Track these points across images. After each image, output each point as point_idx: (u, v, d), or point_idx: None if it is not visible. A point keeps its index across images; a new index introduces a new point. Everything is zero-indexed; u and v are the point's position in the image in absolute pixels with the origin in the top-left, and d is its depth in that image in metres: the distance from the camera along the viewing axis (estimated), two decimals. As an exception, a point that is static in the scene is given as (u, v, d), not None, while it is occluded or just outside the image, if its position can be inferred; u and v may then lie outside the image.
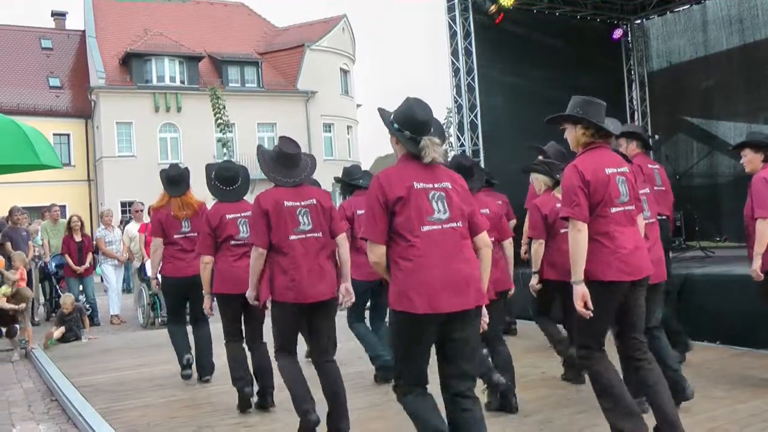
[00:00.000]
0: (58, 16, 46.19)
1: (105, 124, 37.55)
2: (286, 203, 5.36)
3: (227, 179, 6.78)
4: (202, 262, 6.61)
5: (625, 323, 4.79)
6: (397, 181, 4.13)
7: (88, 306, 12.96)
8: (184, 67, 39.87)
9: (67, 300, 11.87)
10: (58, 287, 13.92)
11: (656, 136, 14.91)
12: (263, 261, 5.40)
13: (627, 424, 4.52)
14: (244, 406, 6.39)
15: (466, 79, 13.19)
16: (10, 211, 13.94)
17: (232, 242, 6.56)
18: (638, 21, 15.89)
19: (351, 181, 7.82)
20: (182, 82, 39.65)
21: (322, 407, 5.27)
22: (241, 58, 41.75)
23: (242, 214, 6.58)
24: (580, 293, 4.52)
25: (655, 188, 6.88)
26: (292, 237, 5.32)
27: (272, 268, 5.38)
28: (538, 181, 7.32)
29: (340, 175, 7.95)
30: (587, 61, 14.75)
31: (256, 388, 6.44)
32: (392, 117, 4.30)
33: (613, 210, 4.65)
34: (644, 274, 4.73)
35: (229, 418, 6.16)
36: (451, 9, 13.31)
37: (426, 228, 4.08)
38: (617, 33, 15.28)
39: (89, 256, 13.57)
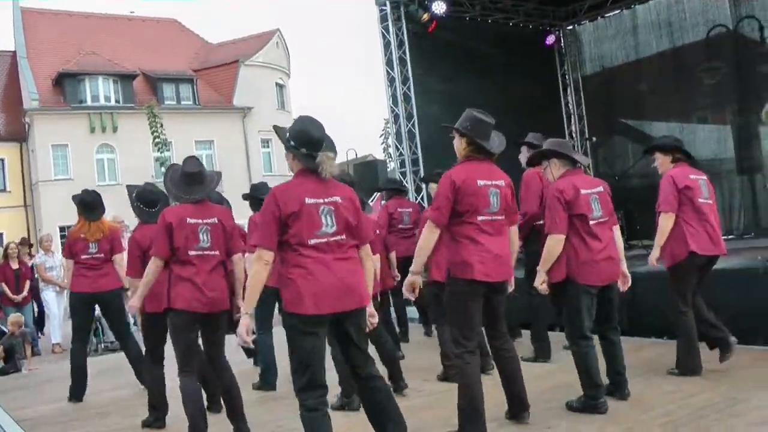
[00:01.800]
0: (-13, 37, 45.32)
1: (40, 148, 36.72)
2: (189, 220, 5.60)
3: (149, 201, 6.89)
4: (130, 285, 6.62)
5: (491, 318, 5.44)
6: (293, 197, 4.43)
7: (30, 335, 12.67)
8: (118, 86, 39.22)
9: (15, 319, 11.66)
10: (-6, 317, 13.57)
11: (593, 139, 15.16)
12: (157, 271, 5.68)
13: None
14: None
15: (402, 89, 13.28)
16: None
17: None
18: (570, 27, 16.20)
19: (260, 196, 7.71)
20: (117, 101, 38.97)
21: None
22: (176, 76, 41.29)
23: None
24: (410, 282, 5.39)
25: None
26: (192, 252, 5.58)
27: (171, 279, 5.62)
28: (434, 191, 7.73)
29: None
30: (521, 67, 14.96)
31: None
32: (288, 135, 4.59)
33: (480, 218, 5.18)
34: (503, 277, 5.30)
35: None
36: (384, 18, 13.40)
37: (314, 241, 4.41)
38: (550, 39, 15.56)
39: (27, 284, 13.25)
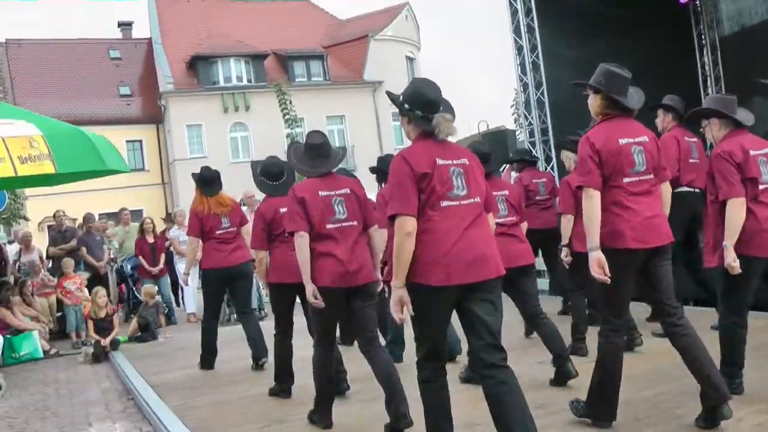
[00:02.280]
0: (125, 26, 46.97)
1: (176, 128, 38.19)
2: (320, 193, 5.44)
3: (273, 175, 6.92)
4: (257, 257, 6.76)
5: (654, 290, 4.80)
6: (424, 158, 4.12)
7: (165, 305, 13.09)
8: (250, 66, 40.21)
9: (148, 290, 12.16)
10: (134, 289, 14.07)
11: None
12: (307, 246, 5.39)
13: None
14: None
15: (531, 56, 12.93)
16: (84, 218, 14.25)
17: (287, 234, 6.17)
18: (706, -17, 15.38)
19: (387, 168, 7.60)
20: (249, 81, 39.99)
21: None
22: (306, 53, 41.89)
23: None
24: (596, 260, 4.58)
25: (690, 161, 7.15)
26: (329, 226, 5.39)
27: (312, 255, 5.39)
28: (568, 159, 7.68)
29: None
30: (654, 29, 14.31)
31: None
32: (401, 98, 4.30)
33: (626, 180, 4.69)
34: (661, 241, 4.71)
35: (299, 412, 6.03)
36: (510, -13, 13.04)
37: (445, 203, 4.09)
38: (684, -3, 14.81)
39: (162, 257, 13.73)
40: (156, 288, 12.66)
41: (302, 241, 5.38)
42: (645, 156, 4.75)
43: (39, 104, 35.25)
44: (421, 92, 4.26)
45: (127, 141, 38.87)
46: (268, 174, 6.93)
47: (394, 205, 4.09)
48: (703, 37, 15.51)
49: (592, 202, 4.64)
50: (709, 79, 15.52)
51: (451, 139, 4.26)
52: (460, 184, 4.14)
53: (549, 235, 8.96)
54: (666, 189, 4.98)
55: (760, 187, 5.24)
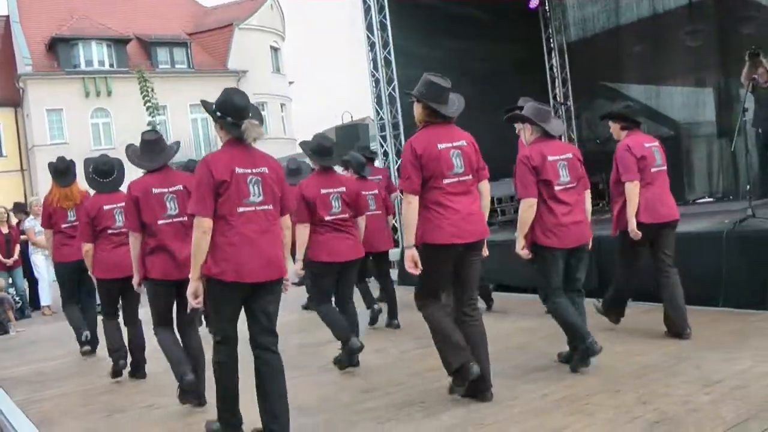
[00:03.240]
0: (-20, 2, 45.18)
1: (35, 112, 36.79)
2: (154, 190, 5.81)
3: (104, 172, 7.23)
4: (83, 249, 7.19)
5: (460, 280, 5.34)
6: (223, 166, 4.59)
7: (17, 299, 12.91)
8: (112, 50, 39.17)
9: None
10: (-15, 281, 13.78)
11: (568, 103, 15.23)
12: (139, 244, 5.85)
13: (453, 355, 5.18)
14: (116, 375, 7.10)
15: (383, 53, 13.29)
16: (-66, 207, 13.84)
17: (109, 231, 7.09)
18: (554, -11, 16.15)
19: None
20: (111, 65, 38.96)
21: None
22: (170, 39, 41.15)
23: (117, 205, 6.98)
24: (410, 256, 5.12)
25: None
26: (160, 222, 5.79)
27: (144, 249, 5.82)
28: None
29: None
30: (505, 32, 15.01)
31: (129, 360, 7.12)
32: (214, 106, 4.75)
33: (446, 181, 5.16)
34: (476, 237, 5.25)
35: (141, 402, 6.25)
36: (363, -17, 13.39)
37: (241, 209, 4.59)
38: (533, 2, 15.46)
39: (17, 248, 13.44)
40: (2, 281, 12.40)
41: (134, 240, 5.86)
42: (463, 159, 5.22)
43: None
44: (230, 100, 4.70)
45: (-17, 125, 37.59)
46: (99, 172, 7.22)
47: (193, 206, 4.62)
48: (551, 41, 16.29)
49: (410, 206, 5.13)
50: (557, 80, 16.33)
51: (267, 141, 4.70)
52: (256, 191, 4.64)
53: None
54: (484, 187, 5.49)
55: (556, 188, 5.92)
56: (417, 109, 5.36)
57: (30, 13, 39.19)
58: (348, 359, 6.62)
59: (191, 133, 39.43)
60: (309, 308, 9.71)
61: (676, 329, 6.74)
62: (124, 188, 6.60)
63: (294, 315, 9.92)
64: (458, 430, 4.71)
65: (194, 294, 4.66)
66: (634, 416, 4.58)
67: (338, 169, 7.70)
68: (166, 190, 5.84)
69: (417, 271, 5.13)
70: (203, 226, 4.54)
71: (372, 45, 13.43)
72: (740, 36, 12.85)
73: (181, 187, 5.85)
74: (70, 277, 8.39)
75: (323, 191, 6.78)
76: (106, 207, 7.06)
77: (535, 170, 5.91)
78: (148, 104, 26.43)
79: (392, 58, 13.32)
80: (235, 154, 4.67)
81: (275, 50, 45.11)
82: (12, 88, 38.56)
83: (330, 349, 6.91)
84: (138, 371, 7.09)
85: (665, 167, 6.93)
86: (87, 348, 8.31)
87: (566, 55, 16.17)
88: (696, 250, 8.37)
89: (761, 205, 9.20)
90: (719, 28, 13.47)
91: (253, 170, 4.66)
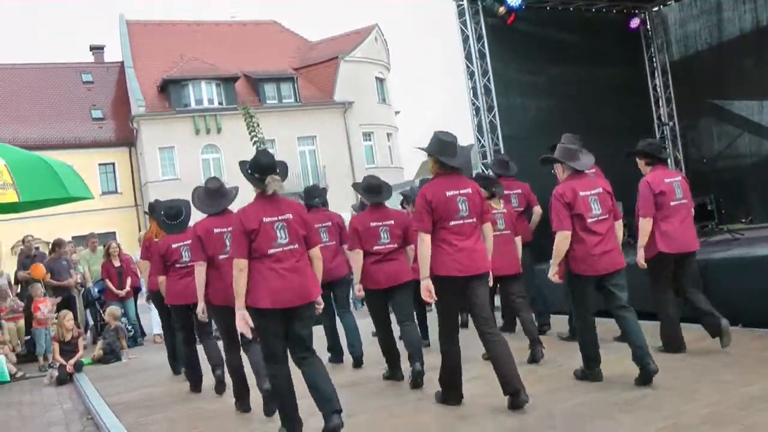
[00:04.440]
0: (97, 49, 47.28)
1: (148, 150, 38.38)
2: (215, 230, 6.84)
3: (171, 216, 8.16)
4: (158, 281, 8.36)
5: (472, 306, 6.11)
6: (252, 217, 5.55)
7: (130, 327, 13.37)
8: (221, 89, 40.49)
9: (112, 312, 12.52)
10: (101, 312, 14.33)
11: (672, 123, 14.88)
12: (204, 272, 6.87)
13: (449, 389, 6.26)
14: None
15: (482, 81, 13.28)
16: (54, 243, 14.50)
17: (177, 265, 8.06)
18: (656, 8, 15.85)
19: (306, 202, 8.91)
20: (220, 103, 40.26)
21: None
22: (277, 75, 42.22)
23: (185, 243, 7.93)
24: (425, 287, 5.96)
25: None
26: (221, 257, 6.74)
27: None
28: None
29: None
30: (605, 54, 14.80)
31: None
32: (248, 165, 5.75)
33: (452, 223, 6.03)
34: (478, 271, 6.07)
35: (248, 426, 6.42)
36: (461, 14, 13.38)
37: (271, 251, 5.54)
38: (634, 22, 15.22)
39: (129, 280, 13.93)
40: (120, 310, 12.96)
41: (200, 269, 6.84)
42: (468, 204, 6.09)
43: (12, 130, 35.54)
44: (257, 160, 5.73)
45: (100, 164, 39.22)
46: (168, 215, 8.15)
47: (233, 251, 5.64)
48: (654, 60, 15.98)
49: (424, 244, 6.01)
50: (660, 100, 15.98)
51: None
52: (283, 235, 5.59)
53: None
54: (487, 228, 6.34)
55: (588, 220, 6.58)
56: (430, 162, 6.28)
57: (142, 57, 40.93)
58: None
59: (299, 164, 40.10)
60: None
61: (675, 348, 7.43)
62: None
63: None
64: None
65: (243, 320, 5.53)
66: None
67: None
68: (225, 229, 6.72)
69: (431, 300, 5.98)
70: (239, 265, 5.51)
71: (471, 74, 13.42)
72: None
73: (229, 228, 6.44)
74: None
75: (372, 224, 7.64)
76: (174, 245, 8.08)
77: (568, 206, 6.59)
78: (255, 139, 26.98)
79: (492, 85, 13.29)
80: (263, 205, 5.63)
81: (381, 81, 45.64)
82: (127, 128, 40.33)
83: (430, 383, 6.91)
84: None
85: (686, 201, 7.52)
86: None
87: (669, 74, 15.80)
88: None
89: None
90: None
91: (279, 217, 5.60)
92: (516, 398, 5.83)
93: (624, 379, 6.47)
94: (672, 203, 7.38)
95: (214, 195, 7.08)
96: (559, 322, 9.35)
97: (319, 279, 5.84)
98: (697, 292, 7.58)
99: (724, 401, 5.56)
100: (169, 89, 39.52)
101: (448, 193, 6.05)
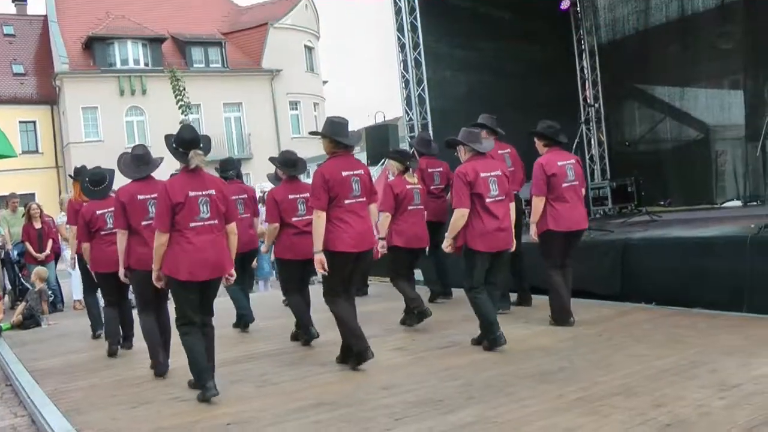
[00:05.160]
0: (19, 1, 45.71)
1: (71, 110, 37.53)
2: (139, 196, 6.91)
3: (96, 181, 8.20)
4: (82, 248, 8.36)
5: (352, 278, 6.69)
6: (179, 190, 5.81)
7: (50, 292, 13.12)
8: (147, 50, 39.79)
9: (39, 272, 12.39)
10: (20, 275, 14.05)
11: (598, 105, 15.18)
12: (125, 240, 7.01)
13: (354, 341, 6.53)
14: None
15: (413, 54, 13.34)
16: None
17: (102, 232, 8.10)
18: (586, -9, 16.08)
19: (221, 173, 9.09)
20: (146, 64, 39.57)
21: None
22: (205, 39, 41.70)
23: (109, 210, 7.94)
24: (318, 260, 6.38)
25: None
26: (143, 223, 6.88)
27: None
28: (392, 165, 8.92)
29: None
30: (536, 33, 15.00)
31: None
32: (173, 139, 5.97)
33: (347, 202, 6.45)
34: (367, 247, 6.58)
35: (167, 392, 6.39)
36: (394, -15, 13.43)
37: (192, 224, 5.82)
38: (565, 4, 15.39)
39: (50, 243, 13.67)
40: (47, 271, 12.76)
41: (122, 237, 6.99)
42: (360, 185, 6.52)
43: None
44: (180, 135, 5.96)
45: (20, 121, 38.16)
46: (92, 181, 8.20)
47: (156, 223, 5.92)
48: (582, 42, 16.25)
49: (319, 220, 6.38)
50: (587, 81, 16.28)
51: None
52: (205, 210, 5.86)
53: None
54: (373, 208, 6.84)
55: (487, 200, 6.98)
56: (324, 144, 6.65)
57: (67, 12, 39.92)
58: None
59: (224, 131, 39.75)
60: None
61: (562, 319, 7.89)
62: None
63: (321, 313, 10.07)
64: (473, 427, 4.77)
65: (158, 279, 6.03)
66: (647, 418, 4.62)
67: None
68: (149, 196, 6.85)
69: (323, 272, 6.41)
70: (161, 239, 5.85)
71: (402, 46, 13.48)
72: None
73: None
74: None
75: (291, 197, 7.93)
76: (98, 212, 8.12)
77: (469, 185, 6.97)
78: (180, 103, 26.71)
79: (422, 59, 13.36)
80: (189, 179, 5.88)
81: (309, 49, 45.43)
82: (49, 86, 39.29)
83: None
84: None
85: (577, 182, 7.96)
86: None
87: (597, 57, 16.11)
88: (720, 254, 8.43)
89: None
90: (750, 30, 13.38)
91: (203, 192, 5.87)
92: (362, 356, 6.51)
93: (543, 354, 6.67)
94: (564, 185, 7.82)
95: (139, 161, 7.11)
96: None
97: (233, 253, 6.19)
98: (569, 280, 8.03)
99: (637, 373, 5.77)
100: (94, 47, 38.65)
101: (344, 173, 6.44)
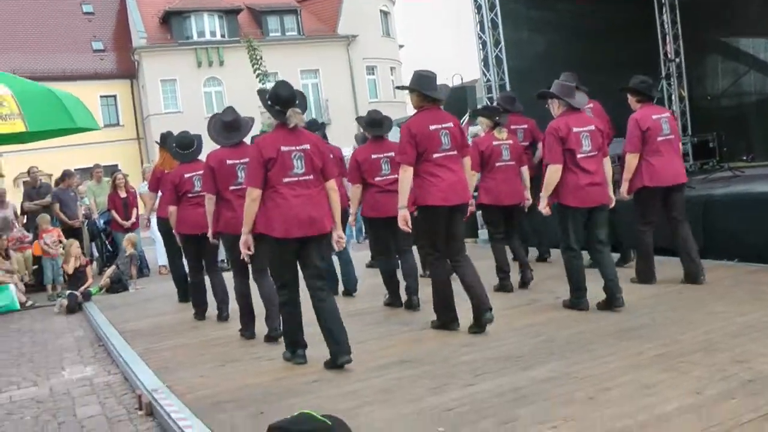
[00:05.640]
0: (98, -21, 46.52)
1: (150, 83, 38.30)
2: (228, 161, 6.94)
3: (184, 145, 8.31)
4: (169, 211, 8.38)
5: (449, 236, 6.40)
6: (271, 146, 5.61)
7: (138, 257, 13.52)
8: (223, 21, 40.25)
9: (131, 238, 12.99)
10: (107, 243, 14.51)
11: (678, 60, 14.88)
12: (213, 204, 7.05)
13: (441, 311, 6.58)
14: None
15: (489, 15, 13.24)
16: (63, 174, 14.57)
17: (189, 195, 8.16)
18: (665, -57, 15.69)
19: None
20: (223, 36, 40.04)
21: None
22: (280, 8, 41.86)
23: (196, 173, 8.04)
24: (402, 217, 6.24)
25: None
26: (232, 188, 6.92)
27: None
28: (481, 123, 8.74)
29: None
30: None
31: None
32: (267, 96, 5.78)
33: (435, 155, 6.26)
34: (460, 200, 6.36)
35: (252, 353, 6.62)
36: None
37: (287, 180, 5.60)
38: (643, -41, 15.09)
39: (134, 211, 14.05)
40: (136, 237, 13.23)
41: (210, 200, 7.06)
42: (450, 138, 6.31)
43: (11, 59, 35.23)
44: (277, 92, 5.74)
45: (101, 96, 38.94)
46: (180, 145, 8.31)
47: (247, 180, 5.78)
48: (661, -4, 15.86)
49: (406, 174, 6.22)
50: (668, 36, 15.90)
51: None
52: (299, 165, 5.63)
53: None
54: (467, 161, 6.65)
55: (579, 156, 6.81)
56: (412, 98, 6.50)
57: (144, -12, 40.38)
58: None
59: (303, 97, 39.88)
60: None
61: (692, 278, 7.62)
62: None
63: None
64: (553, 383, 4.83)
65: (245, 244, 5.79)
66: (727, 374, 4.61)
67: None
68: (238, 161, 6.87)
69: (407, 229, 6.31)
70: (252, 195, 5.63)
71: (479, 7, 13.36)
72: None
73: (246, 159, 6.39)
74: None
75: (374, 156, 7.85)
76: (187, 175, 8.16)
77: (561, 140, 6.81)
78: (258, 72, 26.90)
79: (499, 20, 13.22)
80: (282, 135, 5.68)
81: (385, 14, 45.24)
82: (128, 60, 40.10)
83: (429, 308, 7.07)
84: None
85: (673, 136, 7.74)
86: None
87: (677, 11, 15.72)
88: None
89: None
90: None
91: (297, 147, 5.65)
92: (483, 317, 6.33)
93: (624, 312, 6.69)
94: (659, 138, 7.60)
95: (230, 127, 7.10)
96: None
97: (336, 211, 5.91)
98: (685, 229, 7.80)
99: (718, 330, 5.75)
100: (171, 21, 39.26)
101: (432, 127, 6.26)
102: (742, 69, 14.78)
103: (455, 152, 6.37)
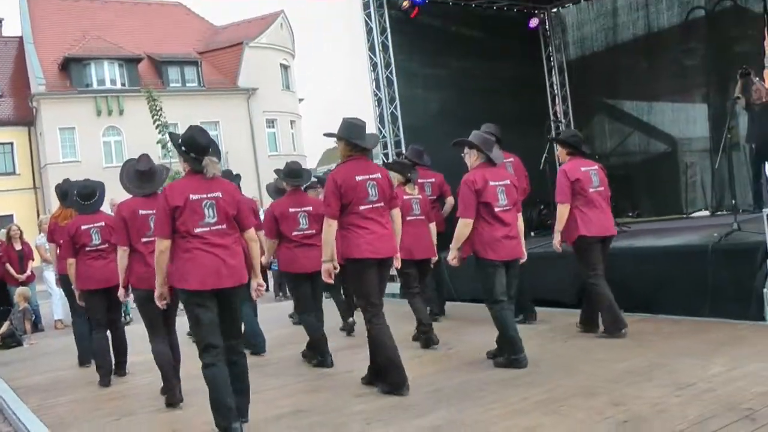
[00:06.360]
0: (-6, 22, 45.69)
1: (48, 131, 37.48)
2: (140, 212, 6.63)
3: (85, 195, 8.01)
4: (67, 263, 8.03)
5: (376, 290, 6.21)
6: (178, 194, 5.25)
7: (32, 311, 13.24)
8: (124, 70, 39.86)
9: (23, 292, 12.57)
10: (-1, 296, 14.14)
11: (568, 119, 15.53)
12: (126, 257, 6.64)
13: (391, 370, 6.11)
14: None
15: (385, 73, 13.59)
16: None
17: (87, 248, 7.87)
18: (554, 10, 16.44)
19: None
20: (123, 84, 39.63)
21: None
22: (181, 58, 41.83)
23: (95, 225, 7.89)
24: (326, 269, 6.08)
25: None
26: (144, 239, 6.58)
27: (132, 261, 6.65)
28: (393, 177, 8.46)
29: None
30: (505, 50, 15.26)
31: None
32: (180, 140, 5.43)
33: (362, 207, 6.10)
34: (388, 253, 6.21)
35: (149, 407, 6.61)
36: (366, 6, 13.70)
37: (198, 230, 5.23)
38: (533, 22, 15.75)
39: (30, 264, 13.77)
40: (28, 291, 12.91)
41: (123, 253, 6.64)
42: (377, 189, 6.18)
43: None
44: (194, 138, 5.37)
45: (-3, 143, 38.08)
46: (81, 195, 8.01)
47: (156, 230, 5.39)
48: (551, 59, 16.58)
49: (330, 228, 6.07)
50: (557, 97, 16.60)
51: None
52: (211, 213, 5.28)
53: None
54: (395, 214, 6.45)
55: (496, 209, 6.79)
56: (339, 146, 6.32)
57: (43, 33, 39.93)
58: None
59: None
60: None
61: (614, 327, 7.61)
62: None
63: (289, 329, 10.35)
64: (441, 430, 5.03)
65: (160, 298, 5.47)
66: (605, 416, 4.91)
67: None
68: (151, 211, 6.46)
69: (331, 282, 6.22)
70: (161, 246, 5.27)
71: (374, 65, 13.72)
72: (734, 54, 13.12)
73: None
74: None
75: (291, 210, 7.79)
76: (84, 227, 7.90)
77: (477, 193, 6.77)
78: (157, 122, 26.81)
79: (394, 78, 13.60)
80: (192, 183, 5.33)
81: (285, 68, 45.65)
82: (25, 107, 39.24)
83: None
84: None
85: (602, 188, 7.88)
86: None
87: (566, 73, 16.45)
88: (683, 262, 8.76)
89: (751, 219, 9.44)
90: (713, 46, 13.80)
91: (208, 195, 5.29)
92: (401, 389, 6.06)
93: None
94: (591, 190, 7.70)
95: (143, 177, 6.81)
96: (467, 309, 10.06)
97: (255, 261, 5.60)
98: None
99: (599, 376, 6.07)
100: (71, 68, 38.67)
101: (358, 178, 6.09)
102: (628, 130, 15.57)
103: (382, 204, 6.22)
